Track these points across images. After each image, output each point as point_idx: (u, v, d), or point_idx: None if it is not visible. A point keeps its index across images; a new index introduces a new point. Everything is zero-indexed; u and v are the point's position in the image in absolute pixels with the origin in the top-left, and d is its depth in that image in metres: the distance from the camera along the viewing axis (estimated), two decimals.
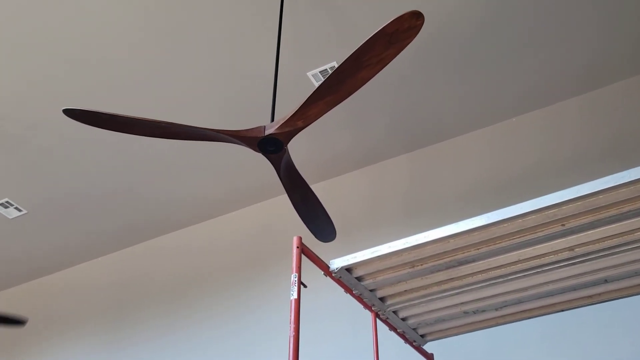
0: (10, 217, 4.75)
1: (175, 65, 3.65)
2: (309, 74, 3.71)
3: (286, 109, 3.86)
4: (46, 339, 5.10)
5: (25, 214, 4.72)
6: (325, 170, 4.48)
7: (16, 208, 4.65)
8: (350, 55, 2.29)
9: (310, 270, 2.59)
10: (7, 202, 4.59)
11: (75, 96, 3.80)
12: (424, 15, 2.23)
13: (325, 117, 3.92)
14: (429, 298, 2.53)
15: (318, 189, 4.47)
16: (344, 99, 2.50)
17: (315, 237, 3.29)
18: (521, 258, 2.27)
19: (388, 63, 2.36)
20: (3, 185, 4.45)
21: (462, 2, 3.34)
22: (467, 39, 3.54)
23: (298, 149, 4.19)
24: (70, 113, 2.58)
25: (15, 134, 4.03)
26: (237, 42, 3.53)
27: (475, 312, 2.61)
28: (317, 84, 3.76)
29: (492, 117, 4.08)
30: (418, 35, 2.30)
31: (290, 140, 2.66)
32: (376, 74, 2.40)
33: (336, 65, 3.64)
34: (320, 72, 3.69)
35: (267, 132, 2.60)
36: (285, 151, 2.73)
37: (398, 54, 2.32)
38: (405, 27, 2.21)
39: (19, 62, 3.58)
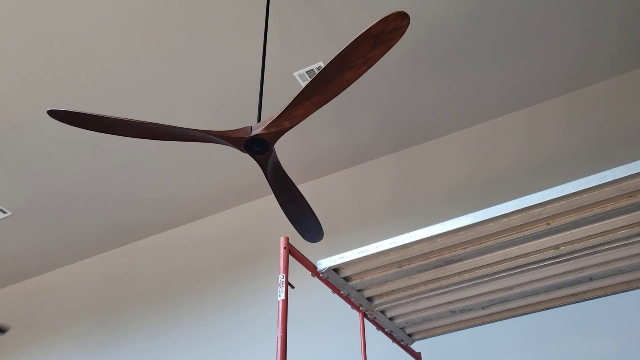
0: None
1: (161, 65, 3.64)
2: (296, 74, 3.71)
3: (273, 109, 3.86)
4: (32, 342, 5.05)
5: (10, 215, 4.67)
6: (311, 170, 4.48)
7: (0, 210, 4.61)
8: (337, 56, 2.30)
9: (297, 270, 2.59)
10: None
11: (61, 97, 3.77)
12: (410, 15, 2.25)
13: (311, 117, 3.92)
14: (416, 297, 2.54)
15: (305, 188, 4.47)
16: (330, 100, 2.51)
17: (303, 237, 3.29)
18: (507, 257, 2.29)
19: (374, 64, 2.37)
20: None
21: (448, 3, 3.36)
22: (452, 40, 3.56)
23: (284, 149, 4.19)
24: (55, 114, 2.56)
25: (0, 135, 4.00)
26: (223, 43, 3.52)
27: (462, 311, 2.63)
28: (303, 84, 3.75)
29: (478, 116, 4.10)
30: (404, 35, 2.32)
31: (276, 140, 2.66)
32: (362, 74, 2.41)
33: (322, 66, 3.64)
34: (306, 72, 3.69)
35: (253, 133, 2.60)
36: (272, 151, 2.73)
37: (384, 54, 2.33)
38: (391, 28, 2.23)
39: (3, 61, 3.55)
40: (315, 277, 2.40)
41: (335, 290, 2.47)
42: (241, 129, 2.63)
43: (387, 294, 2.53)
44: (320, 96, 2.48)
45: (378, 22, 2.19)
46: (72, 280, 5.24)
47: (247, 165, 4.34)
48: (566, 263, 2.31)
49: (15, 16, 3.31)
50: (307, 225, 3.22)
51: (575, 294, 2.51)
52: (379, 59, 2.35)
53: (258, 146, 2.66)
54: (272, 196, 4.59)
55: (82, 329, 4.87)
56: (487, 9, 3.40)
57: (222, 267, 4.53)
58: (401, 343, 2.82)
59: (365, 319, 2.61)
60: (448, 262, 2.33)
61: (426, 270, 2.37)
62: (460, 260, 2.32)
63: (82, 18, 3.35)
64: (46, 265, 5.32)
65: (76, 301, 5.08)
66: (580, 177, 2.01)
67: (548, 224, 2.12)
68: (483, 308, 2.61)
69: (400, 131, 4.19)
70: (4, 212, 4.64)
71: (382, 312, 2.64)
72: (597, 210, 2.04)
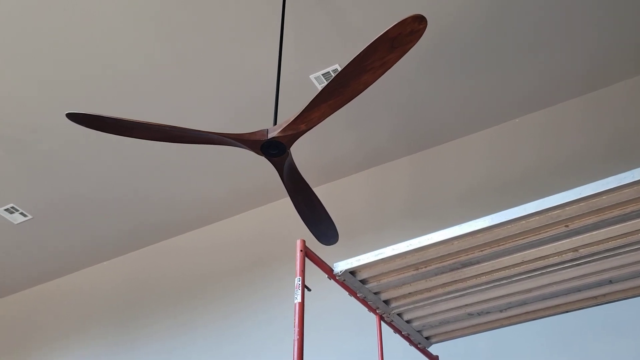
0: (16, 223, 4.76)
1: (177, 69, 3.66)
2: (312, 76, 3.71)
3: (289, 112, 3.87)
4: (51, 343, 5.11)
5: (31, 219, 4.73)
6: (327, 172, 4.48)
7: (21, 213, 4.67)
8: (354, 59, 2.30)
9: (314, 273, 2.59)
10: (12, 207, 4.61)
11: (80, 101, 3.81)
12: (427, 17, 2.24)
13: (327, 120, 3.92)
14: (434, 300, 2.53)
15: (321, 191, 4.47)
16: (347, 103, 2.52)
17: (318, 240, 3.29)
18: (525, 259, 2.27)
19: (391, 67, 2.37)
20: (8, 191, 4.47)
21: (464, 3, 3.34)
22: (469, 41, 3.54)
23: (301, 151, 4.20)
24: (74, 117, 2.58)
25: (20, 139, 4.05)
26: (239, 46, 3.54)
27: (479, 314, 2.61)
28: (320, 87, 3.76)
29: (495, 118, 4.07)
30: (421, 37, 2.32)
31: (293, 143, 2.67)
32: (379, 77, 2.42)
33: (339, 68, 3.65)
34: (322, 74, 3.69)
35: (270, 136, 2.61)
36: (288, 154, 2.74)
37: (401, 57, 2.33)
38: (408, 31, 2.22)
39: (23, 66, 3.60)
40: (332, 280, 2.40)
41: (352, 293, 2.47)
42: (258, 131, 2.64)
43: (404, 296, 2.52)
44: (337, 99, 2.49)
45: (395, 26, 2.18)
46: (90, 283, 5.29)
47: (263, 168, 4.35)
48: (586, 265, 2.29)
49: (32, 21, 3.36)
50: (322, 228, 3.22)
51: (595, 297, 2.48)
52: (395, 62, 2.36)
53: (274, 149, 2.67)
54: (288, 199, 4.59)
55: (101, 331, 4.92)
56: (504, 9, 3.38)
57: (239, 269, 4.55)
58: (418, 346, 2.81)
59: (382, 322, 2.60)
60: (465, 265, 2.31)
61: (443, 272, 2.36)
62: (477, 262, 2.30)
63: (98, 22, 3.39)
64: (66, 267, 5.38)
65: (95, 303, 5.13)
66: (599, 179, 1.98)
67: (567, 226, 2.09)
68: (501, 311, 2.59)
69: (417, 133, 4.17)
70: (25, 216, 4.70)
71: (399, 314, 2.63)
72: (616, 212, 2.02)
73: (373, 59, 2.32)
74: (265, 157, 2.72)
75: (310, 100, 2.46)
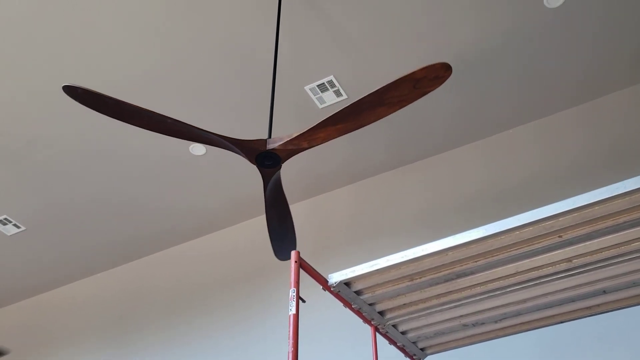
0: (9, 234, 4.74)
1: (174, 73, 3.67)
2: (307, 87, 3.73)
3: (283, 124, 3.88)
4: (46, 356, 5.07)
5: (24, 230, 4.71)
6: (320, 183, 4.48)
7: (15, 225, 4.65)
8: (375, 91, 2.38)
9: (309, 285, 2.59)
10: (5, 219, 4.58)
11: (74, 110, 3.81)
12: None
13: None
14: (429, 311, 2.52)
15: (314, 203, 4.48)
16: (355, 130, 2.58)
17: (276, 254, 3.33)
18: (519, 270, 2.27)
19: (406, 105, 2.48)
20: (1, 202, 4.45)
21: (460, 14, 3.37)
22: (463, 50, 3.56)
23: (294, 161, 4.20)
24: (72, 91, 2.39)
25: (14, 149, 4.04)
26: (234, 56, 3.55)
27: (474, 325, 2.61)
28: (314, 98, 3.78)
29: (489, 129, 4.09)
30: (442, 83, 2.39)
31: (289, 158, 2.68)
32: (392, 112, 2.51)
33: (333, 79, 3.67)
34: (317, 85, 3.71)
35: (269, 147, 2.61)
36: (280, 167, 2.74)
37: (418, 98, 2.44)
38: (433, 76, 2.34)
39: (17, 76, 3.60)
40: (327, 291, 2.40)
41: (347, 304, 2.46)
42: (257, 140, 2.63)
43: (398, 307, 2.52)
44: (347, 124, 2.55)
45: (423, 68, 2.30)
46: (85, 294, 5.26)
47: (258, 178, 4.35)
48: (579, 276, 2.29)
49: (30, 31, 3.37)
50: (285, 244, 3.24)
51: (589, 307, 2.48)
52: (412, 102, 2.47)
53: (270, 160, 2.67)
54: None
55: (96, 343, 4.88)
56: (498, 19, 3.40)
57: (234, 280, 4.53)
58: (414, 357, 2.80)
59: (377, 333, 2.60)
60: (460, 276, 2.32)
61: (438, 283, 2.36)
62: (472, 273, 2.31)
63: (95, 32, 3.39)
64: (60, 279, 5.34)
65: (89, 315, 5.10)
66: (593, 189, 1.99)
67: (560, 236, 2.10)
68: (496, 322, 2.59)
69: (410, 144, 4.18)
70: (18, 227, 4.68)
71: (394, 326, 2.63)
72: (609, 223, 2.03)
73: (393, 95, 2.41)
74: (257, 166, 2.70)
75: (320, 120, 2.49)
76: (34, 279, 5.30)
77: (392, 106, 2.47)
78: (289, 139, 2.56)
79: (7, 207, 4.50)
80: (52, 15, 3.28)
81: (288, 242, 3.22)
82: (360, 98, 2.41)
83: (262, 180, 4.26)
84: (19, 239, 4.80)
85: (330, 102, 3.81)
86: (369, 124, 2.55)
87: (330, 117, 2.48)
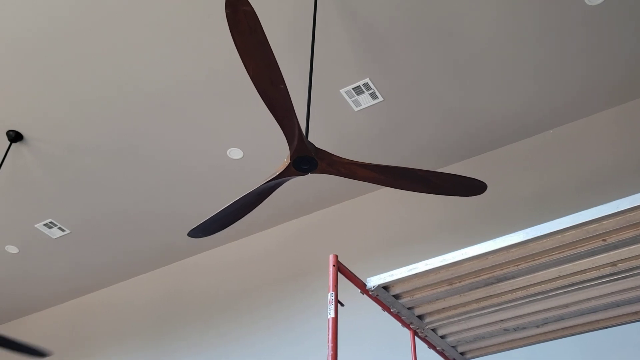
0: (54, 237, 4.88)
1: (208, 86, 3.72)
2: (342, 90, 3.73)
3: (319, 127, 3.90)
4: (88, 356, 5.20)
5: (68, 233, 4.84)
6: (361, 186, 4.48)
7: (60, 228, 4.78)
8: (428, 171, 2.69)
9: (347, 288, 2.60)
10: (51, 222, 4.72)
11: (114, 118, 3.90)
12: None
13: (360, 131, 3.93)
14: (468, 315, 2.50)
15: (353, 204, 4.48)
16: (387, 186, 2.79)
17: (190, 231, 3.10)
18: (561, 274, 2.23)
19: (435, 194, 2.83)
20: (47, 206, 4.59)
21: (503, 11, 3.33)
22: (507, 51, 3.52)
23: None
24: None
25: (57, 155, 4.16)
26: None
27: (515, 330, 2.57)
28: (349, 101, 3.78)
29: (528, 130, 4.02)
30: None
31: (319, 172, 2.69)
32: (424, 192, 2.84)
33: (369, 82, 3.66)
34: (353, 88, 3.71)
35: (316, 156, 2.63)
36: (302, 175, 2.73)
37: (449, 195, 2.84)
38: (476, 184, 2.79)
39: (60, 85, 3.71)
40: (365, 295, 2.40)
41: (385, 308, 2.46)
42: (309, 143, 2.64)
43: (438, 311, 2.50)
44: (387, 178, 2.69)
45: (467, 177, 2.74)
46: (126, 296, 5.37)
47: (295, 182, 4.38)
48: (624, 280, 2.24)
49: (73, 44, 3.46)
50: (214, 225, 3.06)
51: (635, 313, 2.42)
52: (442, 195, 2.83)
53: (306, 165, 2.66)
54: (320, 212, 4.62)
55: (135, 344, 4.98)
56: (540, 17, 3.35)
57: (271, 284, 4.56)
58: None
59: (416, 337, 2.58)
60: (500, 280, 2.29)
61: (478, 287, 2.34)
62: (512, 277, 2.27)
63: (132, 45, 3.47)
64: (102, 281, 5.47)
65: (130, 317, 5.20)
66: (634, 193, 1.95)
67: (604, 240, 2.06)
68: (537, 326, 2.55)
69: (448, 146, 4.15)
70: (63, 231, 4.81)
71: (434, 330, 2.61)
72: None
73: (435, 182, 2.70)
74: (293, 165, 2.68)
75: (374, 163, 2.54)
76: (78, 280, 5.44)
77: (427, 189, 2.75)
78: (336, 157, 2.62)
79: (52, 211, 4.63)
80: (89, 29, 3.37)
81: (219, 225, 3.05)
82: (414, 168, 2.66)
83: (303, 184, 4.31)
84: (64, 242, 4.93)
85: (366, 104, 3.80)
86: (403, 189, 2.78)
87: (384, 166, 2.62)
